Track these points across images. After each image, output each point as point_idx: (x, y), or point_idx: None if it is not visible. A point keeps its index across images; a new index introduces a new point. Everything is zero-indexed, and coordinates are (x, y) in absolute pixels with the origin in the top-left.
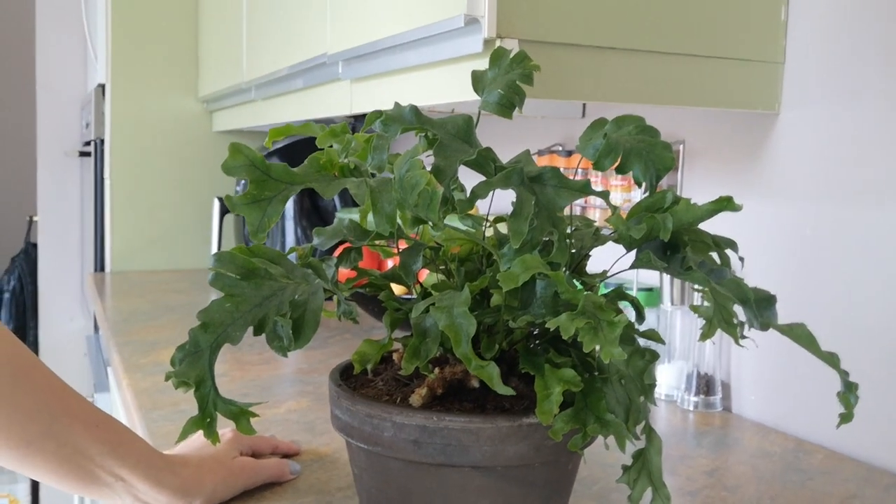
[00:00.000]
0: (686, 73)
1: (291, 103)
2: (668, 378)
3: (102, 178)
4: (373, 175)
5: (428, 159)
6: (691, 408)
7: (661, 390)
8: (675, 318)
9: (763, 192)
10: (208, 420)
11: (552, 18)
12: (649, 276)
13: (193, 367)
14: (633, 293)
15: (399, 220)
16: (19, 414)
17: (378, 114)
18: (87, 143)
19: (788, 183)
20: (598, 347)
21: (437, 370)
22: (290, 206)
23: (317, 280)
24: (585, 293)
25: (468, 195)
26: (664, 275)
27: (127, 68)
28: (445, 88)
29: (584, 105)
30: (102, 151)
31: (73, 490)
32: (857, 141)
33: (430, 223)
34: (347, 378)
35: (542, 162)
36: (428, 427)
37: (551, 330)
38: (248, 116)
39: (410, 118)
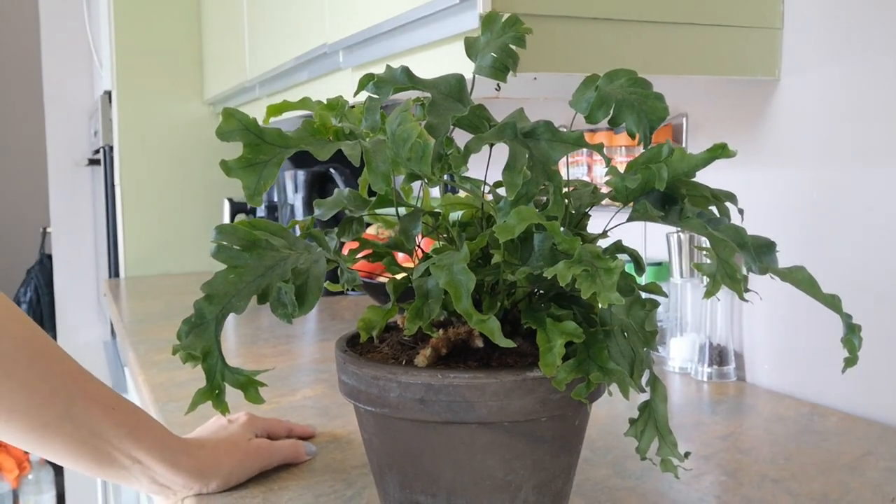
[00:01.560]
0: (684, 42)
1: (295, 97)
2: (682, 351)
3: (113, 185)
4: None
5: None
6: (705, 379)
7: (674, 363)
8: (685, 290)
9: (767, 159)
10: (217, 391)
11: None
12: (658, 251)
13: (200, 338)
14: None
15: (400, 189)
16: (37, 397)
17: (370, 76)
18: (97, 151)
19: (792, 148)
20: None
21: (440, 331)
22: (299, 201)
23: (319, 249)
24: (583, 244)
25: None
26: (673, 248)
27: (132, 74)
28: (445, 68)
29: None
30: (111, 158)
31: (90, 472)
32: (859, 102)
33: (424, 178)
34: (354, 346)
35: None
36: (433, 385)
37: (549, 278)
38: (255, 115)
39: (402, 78)
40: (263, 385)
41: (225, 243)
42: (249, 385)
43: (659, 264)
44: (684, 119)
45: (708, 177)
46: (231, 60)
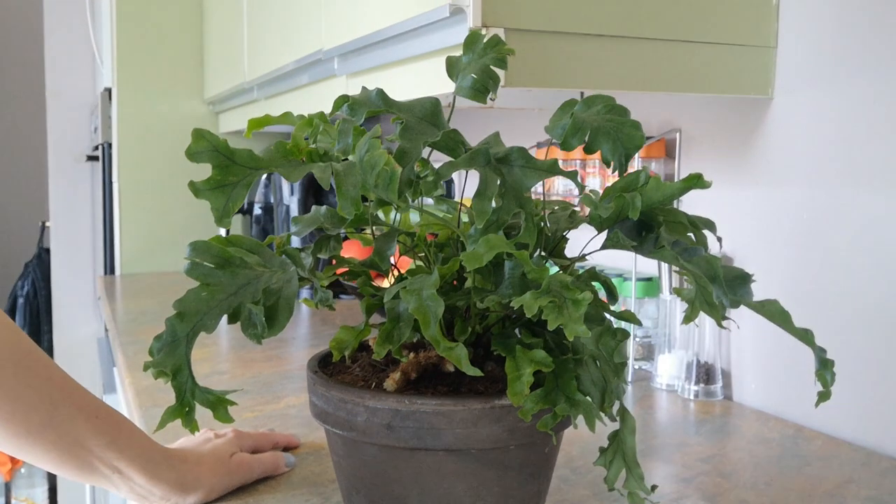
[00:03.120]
0: (678, 59)
1: (292, 101)
2: (669, 367)
3: (111, 182)
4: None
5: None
6: (692, 397)
7: (662, 380)
8: (674, 307)
9: (759, 178)
10: (186, 409)
11: (538, 6)
12: (648, 266)
13: (171, 356)
14: (633, 283)
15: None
16: (21, 404)
17: (344, 98)
18: (97, 148)
19: (784, 167)
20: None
21: (411, 355)
22: (294, 203)
23: (293, 268)
24: (552, 273)
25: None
26: (663, 264)
27: (132, 72)
28: (435, 80)
29: (581, 96)
30: (110, 155)
31: (72, 477)
32: (852, 124)
33: (393, 205)
34: (326, 366)
35: (540, 155)
36: (400, 411)
37: (515, 308)
38: (253, 117)
39: (377, 101)
40: (233, 404)
41: (198, 260)
42: (219, 404)
43: (649, 279)
44: (678, 134)
45: (698, 194)
46: (230, 61)
